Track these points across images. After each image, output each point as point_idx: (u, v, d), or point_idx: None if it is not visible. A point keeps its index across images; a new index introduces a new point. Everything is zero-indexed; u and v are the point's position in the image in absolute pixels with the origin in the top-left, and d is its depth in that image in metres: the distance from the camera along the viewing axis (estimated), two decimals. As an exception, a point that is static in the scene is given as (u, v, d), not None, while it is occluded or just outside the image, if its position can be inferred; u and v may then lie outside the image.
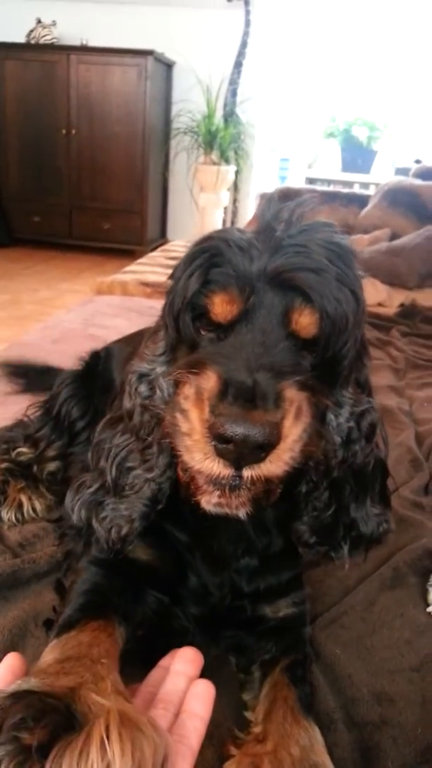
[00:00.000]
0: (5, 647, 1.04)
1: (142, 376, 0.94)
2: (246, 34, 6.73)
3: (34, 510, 1.43)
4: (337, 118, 7.68)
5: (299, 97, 7.62)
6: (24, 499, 1.43)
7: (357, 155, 7.58)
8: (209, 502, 0.76)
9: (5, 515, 1.40)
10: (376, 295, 3.30)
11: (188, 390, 0.73)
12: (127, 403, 0.96)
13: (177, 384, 0.79)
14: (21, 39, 6.88)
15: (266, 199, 0.86)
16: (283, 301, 0.76)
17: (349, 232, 4.02)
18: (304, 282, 0.75)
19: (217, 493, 0.74)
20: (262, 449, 0.68)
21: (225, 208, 7.03)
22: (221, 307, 0.78)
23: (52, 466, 1.49)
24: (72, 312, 3.05)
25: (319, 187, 6.01)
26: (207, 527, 0.97)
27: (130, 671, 0.84)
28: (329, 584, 1.27)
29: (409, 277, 3.39)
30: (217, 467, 0.70)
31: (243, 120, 6.93)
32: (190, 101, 6.85)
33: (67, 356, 2.22)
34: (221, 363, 0.72)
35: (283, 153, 7.99)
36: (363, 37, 6.88)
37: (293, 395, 0.71)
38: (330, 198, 4.54)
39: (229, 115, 6.83)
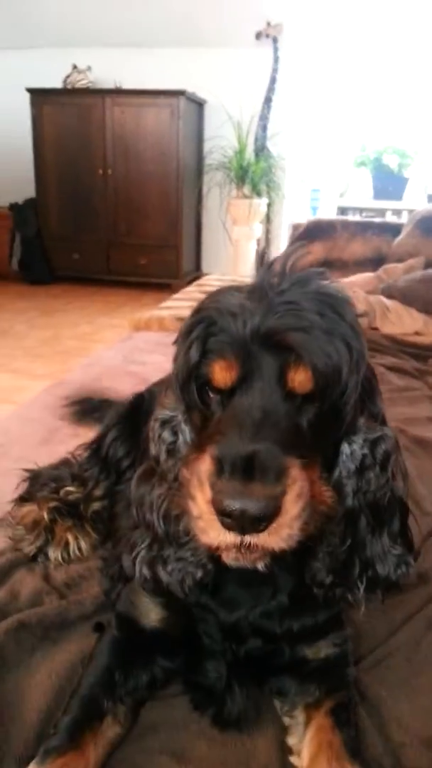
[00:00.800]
0: (55, 691, 1.06)
1: (164, 423, 0.98)
2: (275, 70, 6.87)
3: (79, 549, 1.45)
4: (368, 146, 7.74)
5: (329, 128, 7.72)
6: (71, 538, 1.45)
7: (388, 183, 7.60)
8: (228, 557, 0.80)
9: (52, 555, 1.43)
10: (413, 323, 3.28)
11: (194, 477, 0.78)
12: (153, 450, 0.99)
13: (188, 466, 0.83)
14: (58, 84, 7.16)
15: (258, 258, 0.91)
16: (278, 361, 0.80)
17: (383, 258, 4.04)
18: (294, 341, 0.79)
19: (233, 551, 0.77)
20: (261, 521, 0.71)
21: (258, 240, 7.12)
22: (221, 374, 0.82)
23: (98, 505, 1.52)
24: (112, 349, 3.12)
25: (350, 218, 6.05)
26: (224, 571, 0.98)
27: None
28: (373, 624, 1.26)
29: (445, 305, 3.37)
30: (226, 538, 0.74)
31: (274, 153, 7.03)
32: (221, 137, 6.99)
33: (108, 393, 2.28)
34: (219, 440, 0.76)
35: (314, 183, 8.07)
36: (390, 65, 6.95)
37: (296, 474, 0.74)
38: (362, 228, 4.56)
39: (260, 150, 6.94)
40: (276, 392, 0.80)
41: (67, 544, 1.45)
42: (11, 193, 7.58)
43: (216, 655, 1.04)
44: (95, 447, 1.60)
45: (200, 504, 0.75)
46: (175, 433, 0.96)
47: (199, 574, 0.94)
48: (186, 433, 0.95)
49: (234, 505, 0.70)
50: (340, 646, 1.07)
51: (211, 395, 0.85)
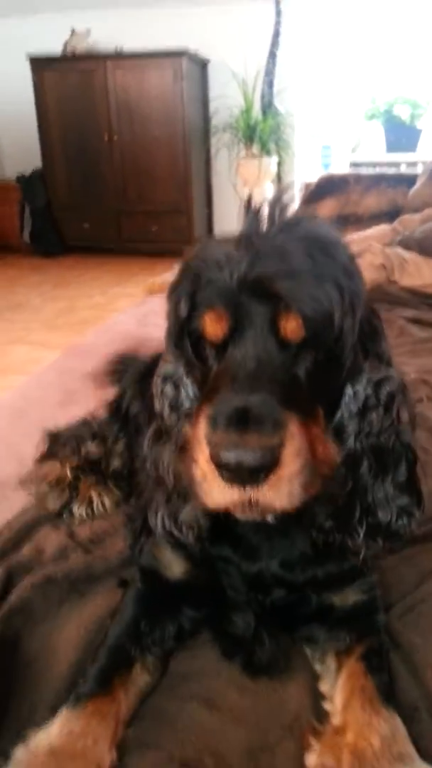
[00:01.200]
0: (84, 644, 1.06)
1: (166, 378, 0.97)
2: (278, 23, 6.65)
3: (103, 505, 1.46)
4: (377, 98, 7.51)
5: (337, 82, 7.49)
6: (94, 495, 1.46)
7: (401, 135, 7.39)
8: (237, 513, 0.78)
9: (77, 511, 1.43)
10: (431, 275, 3.20)
11: (195, 440, 0.76)
12: (157, 406, 0.98)
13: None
14: (57, 50, 7.00)
15: (246, 204, 0.87)
16: (268, 310, 0.77)
17: (399, 210, 3.93)
18: (282, 289, 0.76)
19: (239, 509, 0.75)
20: (259, 472, 0.70)
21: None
22: (211, 327, 0.80)
23: (117, 462, 1.51)
24: (126, 314, 3.09)
25: (363, 171, 5.89)
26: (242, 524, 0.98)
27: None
28: (402, 572, 1.23)
29: (464, 254, 3.27)
30: (230, 495, 0.72)
31: (281, 110, 6.86)
32: (227, 97, 6.83)
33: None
34: (214, 398, 0.75)
35: (324, 140, 7.86)
36: (397, 11, 6.69)
37: (295, 429, 0.72)
38: (376, 181, 4.44)
39: (267, 107, 6.77)
40: (269, 341, 0.77)
41: (90, 500, 1.45)
42: (18, 164, 7.51)
43: (242, 605, 1.03)
44: (115, 406, 1.59)
45: (202, 465, 0.74)
46: (176, 388, 0.95)
47: (204, 523, 0.94)
48: (189, 388, 0.94)
49: (230, 456, 0.69)
50: (367, 593, 1.05)
51: (207, 350, 0.83)
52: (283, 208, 0.86)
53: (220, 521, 0.92)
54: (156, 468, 0.98)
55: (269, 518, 0.81)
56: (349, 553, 0.95)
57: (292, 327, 0.77)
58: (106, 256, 7.40)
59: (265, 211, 0.85)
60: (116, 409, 1.58)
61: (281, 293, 0.76)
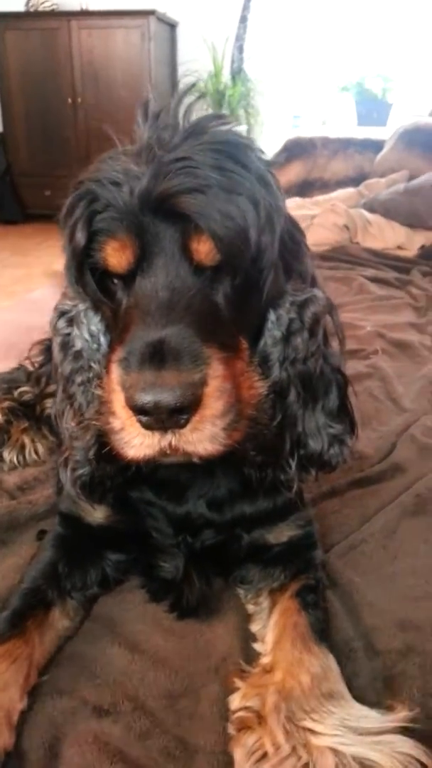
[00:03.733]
0: (5, 594, 0.97)
1: (62, 314, 0.88)
2: (250, -14, 6.48)
3: (36, 452, 1.37)
4: (350, 70, 7.39)
5: (309, 52, 7.34)
6: (27, 440, 1.38)
7: (372, 108, 7.29)
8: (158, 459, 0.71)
9: (7, 456, 1.35)
10: (395, 237, 3.16)
11: (108, 386, 0.69)
12: (55, 354, 0.90)
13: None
14: (20, 8, 6.70)
15: (142, 110, 0.78)
16: (177, 231, 0.69)
17: (365, 177, 3.86)
18: (188, 206, 0.67)
19: (161, 456, 0.68)
20: (180, 413, 0.63)
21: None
22: (115, 257, 0.71)
23: (50, 403, 1.41)
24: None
25: (332, 135, 5.80)
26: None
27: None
28: (346, 513, 1.19)
29: (429, 217, 3.21)
30: (151, 441, 0.65)
31: (251, 77, 6.70)
32: (196, 61, 6.62)
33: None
34: (126, 337, 0.67)
35: (295, 110, 7.73)
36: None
37: (217, 365, 0.65)
38: (344, 145, 4.35)
39: (237, 73, 6.61)
40: (181, 267, 0.70)
41: (23, 446, 1.37)
42: (-24, 128, 7.22)
43: (170, 549, 0.97)
44: (48, 344, 1.48)
45: (118, 412, 0.67)
46: (70, 325, 0.87)
47: (84, 471, 0.87)
48: (96, 327, 0.86)
49: (146, 397, 0.61)
50: (303, 528, 0.99)
51: (113, 283, 0.75)
52: (187, 112, 0.77)
53: (139, 467, 0.84)
54: (60, 420, 0.91)
55: (194, 459, 0.72)
56: (282, 487, 0.88)
57: (204, 250, 0.69)
58: (69, 224, 7.20)
59: (167, 115, 0.76)
60: (49, 347, 1.47)
61: (187, 212, 0.67)
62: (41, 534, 1.09)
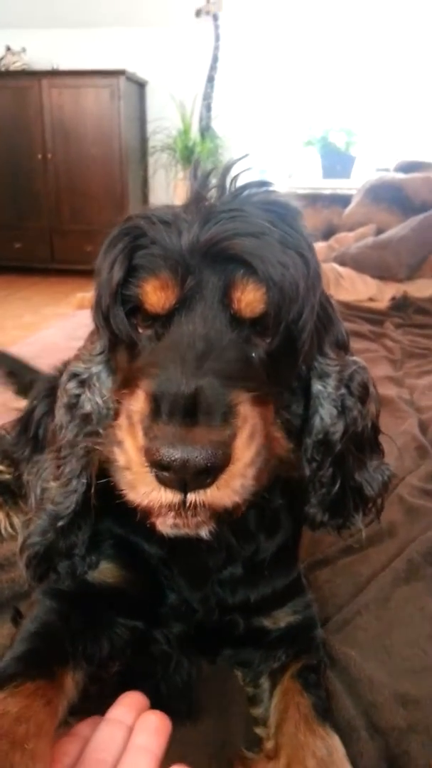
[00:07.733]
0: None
1: (74, 376, 0.85)
2: (216, 48, 6.73)
3: (11, 526, 1.33)
4: (314, 125, 7.67)
5: (274, 107, 7.61)
6: (1, 515, 1.34)
7: (336, 161, 7.54)
8: (164, 524, 0.65)
9: None
10: (367, 290, 3.23)
11: (123, 417, 0.63)
12: (59, 407, 0.87)
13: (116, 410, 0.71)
14: (-9, 68, 6.86)
15: (193, 169, 0.77)
16: (223, 277, 0.67)
17: (334, 230, 3.96)
18: (242, 249, 0.66)
19: (171, 514, 0.62)
20: (208, 474, 0.57)
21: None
22: (155, 296, 0.68)
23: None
24: (53, 328, 2.96)
25: (300, 191, 5.97)
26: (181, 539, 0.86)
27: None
28: (338, 583, 1.17)
29: (398, 269, 3.31)
30: (164, 496, 0.59)
31: (219, 134, 6.90)
32: (165, 119, 6.83)
33: (48, 368, 2.13)
34: (156, 373, 0.62)
35: (261, 165, 7.96)
36: (333, 43, 6.90)
37: (247, 411, 0.61)
38: (312, 200, 4.49)
39: (205, 130, 6.81)
40: (222, 319, 0.67)
41: (-3, 521, 1.32)
42: None
43: (180, 619, 0.92)
44: (24, 423, 1.42)
45: (129, 451, 0.61)
46: (81, 387, 0.84)
47: (42, 540, 0.85)
48: (99, 389, 0.83)
49: (174, 454, 0.56)
50: (301, 613, 0.96)
51: (141, 330, 0.72)
52: (235, 177, 0.76)
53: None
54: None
55: (204, 533, 0.66)
56: (347, 534, 0.95)
57: (250, 298, 0.67)
58: (39, 276, 7.19)
59: (214, 178, 0.76)
60: (25, 426, 1.41)
61: (242, 254, 0.66)
62: (17, 614, 0.97)
